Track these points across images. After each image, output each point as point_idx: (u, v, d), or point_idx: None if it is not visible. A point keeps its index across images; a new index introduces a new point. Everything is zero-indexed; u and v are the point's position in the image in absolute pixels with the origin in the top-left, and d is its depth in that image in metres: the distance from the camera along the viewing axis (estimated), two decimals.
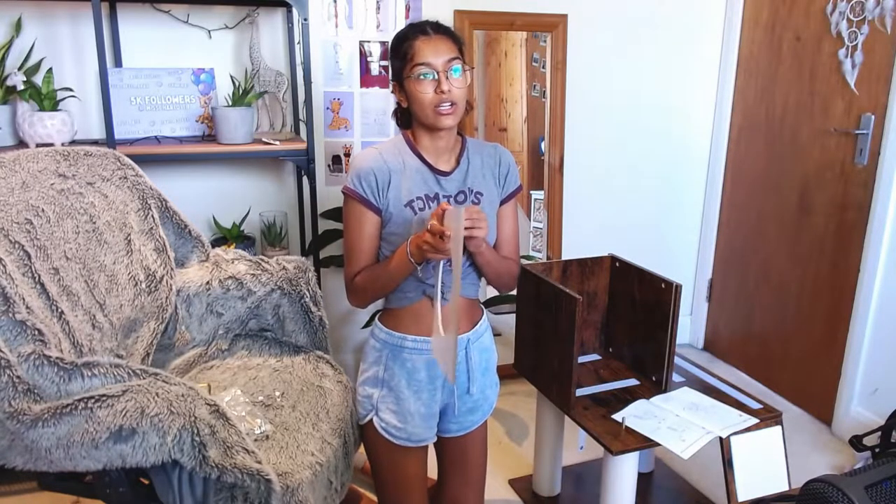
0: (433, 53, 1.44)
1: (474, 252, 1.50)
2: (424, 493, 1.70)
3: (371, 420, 1.62)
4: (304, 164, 2.33)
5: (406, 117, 1.55)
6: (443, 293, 1.48)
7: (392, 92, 1.55)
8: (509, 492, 2.29)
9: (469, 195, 1.56)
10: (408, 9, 2.62)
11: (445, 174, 1.55)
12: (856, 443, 2.34)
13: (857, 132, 2.47)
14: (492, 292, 3.11)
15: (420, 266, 1.46)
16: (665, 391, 1.97)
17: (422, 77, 1.45)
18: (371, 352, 1.63)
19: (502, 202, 1.63)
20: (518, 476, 2.35)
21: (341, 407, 1.70)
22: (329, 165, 2.70)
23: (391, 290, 1.55)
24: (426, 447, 1.67)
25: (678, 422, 1.81)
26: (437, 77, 1.45)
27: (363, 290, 1.55)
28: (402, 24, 2.62)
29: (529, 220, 3.19)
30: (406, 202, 1.51)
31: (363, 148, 2.71)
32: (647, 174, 3.13)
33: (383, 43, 2.63)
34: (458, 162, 1.57)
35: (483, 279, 1.65)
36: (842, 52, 2.51)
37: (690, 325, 3.40)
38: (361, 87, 2.66)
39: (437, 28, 1.48)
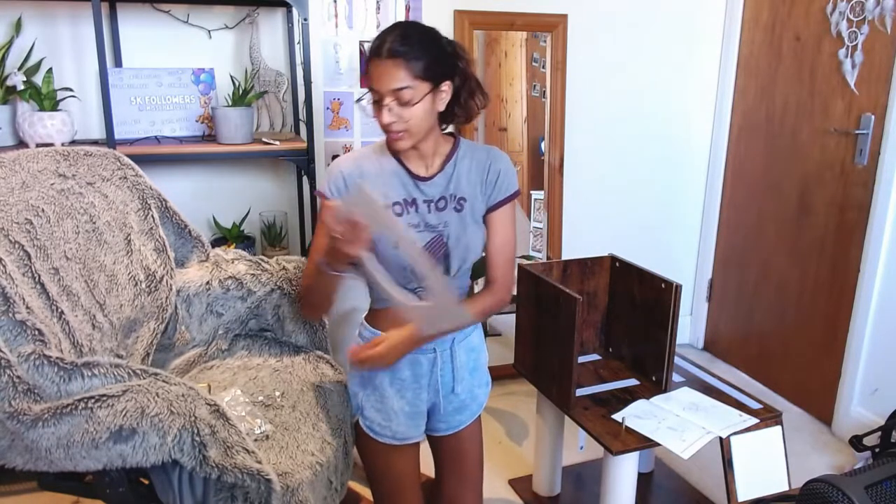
0: (379, 81, 1.38)
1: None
2: (417, 490, 1.69)
3: (358, 419, 1.64)
4: (304, 164, 2.33)
5: None
6: (382, 294, 1.42)
7: None
8: (509, 492, 2.29)
9: (451, 201, 1.51)
10: (408, 9, 2.62)
11: (424, 179, 1.50)
12: (856, 443, 2.34)
13: (857, 132, 2.47)
14: None
15: (348, 272, 1.39)
16: (665, 391, 1.97)
17: (373, 101, 1.41)
18: None
19: (491, 209, 1.54)
20: (518, 476, 2.35)
21: (341, 407, 1.70)
22: (329, 165, 2.70)
23: (328, 301, 1.51)
24: (416, 445, 1.66)
25: (678, 422, 1.81)
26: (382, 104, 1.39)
27: (300, 298, 1.48)
28: None
29: (529, 220, 3.19)
30: None
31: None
32: (647, 174, 3.13)
33: None
34: (442, 166, 1.51)
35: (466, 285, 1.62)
36: (842, 52, 2.51)
37: (690, 325, 3.40)
38: (361, 87, 2.66)
39: (392, 51, 1.36)
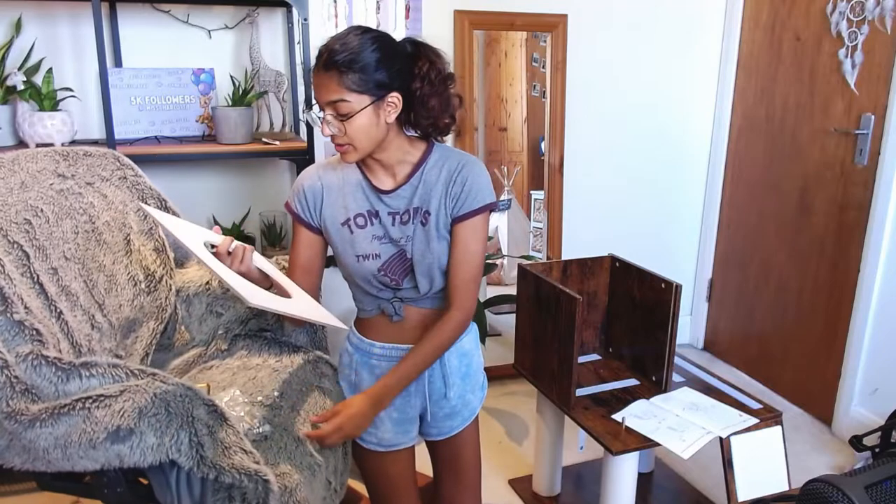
0: (317, 92, 1.33)
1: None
2: (412, 494, 1.67)
3: None
4: (304, 164, 2.32)
5: None
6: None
7: None
8: (509, 492, 2.29)
9: (416, 215, 1.44)
10: (408, 9, 2.62)
11: (387, 192, 1.44)
12: (856, 443, 2.34)
13: (857, 132, 2.46)
14: (491, 292, 3.11)
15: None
16: (665, 391, 1.97)
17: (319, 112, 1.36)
18: (344, 355, 1.65)
19: (455, 221, 1.44)
20: (518, 476, 2.35)
21: None
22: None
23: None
24: (408, 450, 1.65)
25: (678, 422, 1.81)
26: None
27: None
28: (401, 25, 2.62)
29: (529, 220, 3.19)
30: (343, 221, 1.46)
31: None
32: (647, 174, 3.13)
33: None
34: (409, 177, 1.44)
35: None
36: (842, 52, 2.50)
37: (690, 325, 3.39)
38: None
39: (327, 62, 1.30)
